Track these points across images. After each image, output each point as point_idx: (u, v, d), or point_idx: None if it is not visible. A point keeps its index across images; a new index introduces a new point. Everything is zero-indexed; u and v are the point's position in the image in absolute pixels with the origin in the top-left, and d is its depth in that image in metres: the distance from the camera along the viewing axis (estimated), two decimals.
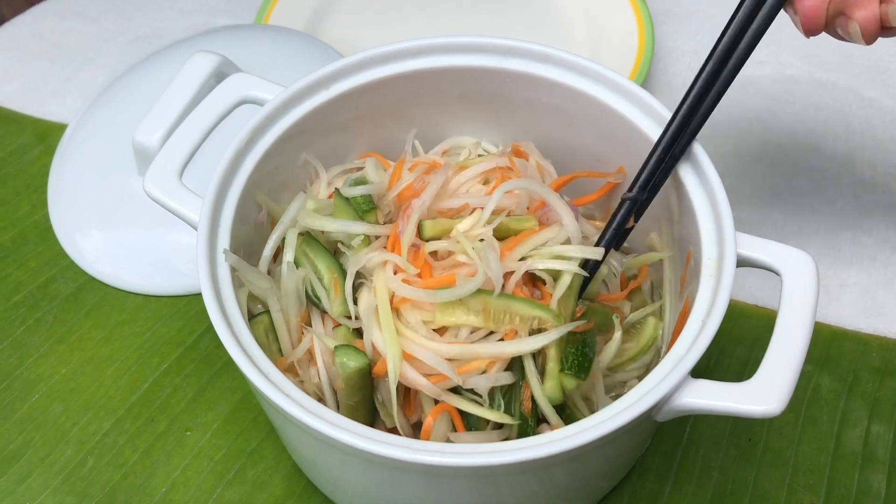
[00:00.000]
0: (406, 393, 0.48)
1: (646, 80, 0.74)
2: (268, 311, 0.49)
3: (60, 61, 0.80)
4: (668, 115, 0.49)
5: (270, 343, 0.49)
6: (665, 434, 0.57)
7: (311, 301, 0.49)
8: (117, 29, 0.82)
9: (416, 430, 0.48)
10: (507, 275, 0.46)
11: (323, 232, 0.51)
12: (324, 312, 0.50)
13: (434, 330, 0.46)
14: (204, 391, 0.60)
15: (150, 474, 0.56)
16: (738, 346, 0.61)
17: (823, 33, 0.47)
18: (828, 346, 0.62)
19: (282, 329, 0.49)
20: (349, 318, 0.48)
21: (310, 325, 0.50)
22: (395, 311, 0.46)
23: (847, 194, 0.70)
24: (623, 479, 0.56)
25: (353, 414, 0.47)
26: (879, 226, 0.68)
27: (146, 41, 0.81)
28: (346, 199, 0.50)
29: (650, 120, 0.51)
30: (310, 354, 0.49)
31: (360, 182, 0.52)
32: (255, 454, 0.57)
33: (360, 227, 0.49)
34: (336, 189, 0.52)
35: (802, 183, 0.71)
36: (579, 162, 0.56)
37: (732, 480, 0.56)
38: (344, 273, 0.49)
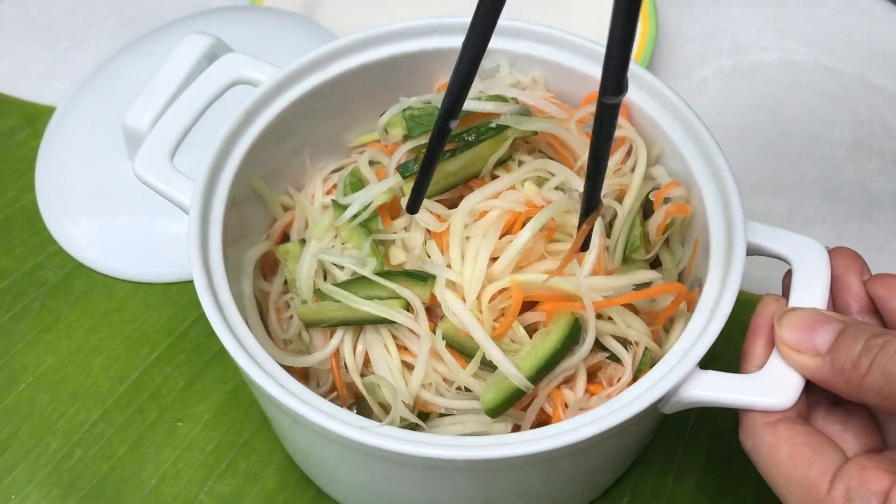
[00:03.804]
0: None
1: (649, 65, 0.73)
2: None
3: (49, 43, 0.78)
4: (676, 99, 0.48)
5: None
6: (668, 427, 0.56)
7: None
8: (108, 10, 0.80)
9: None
10: None
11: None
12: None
13: None
14: (195, 381, 0.58)
15: (140, 466, 0.55)
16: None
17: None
18: None
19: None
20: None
21: None
22: None
23: (854, 183, 0.69)
24: (625, 473, 0.55)
25: None
26: (887, 215, 0.67)
27: (138, 22, 0.79)
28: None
29: (656, 102, 0.50)
30: None
31: (356, 184, 0.50)
32: (248, 446, 0.56)
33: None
34: (333, 201, 0.49)
35: (808, 172, 0.69)
36: None
37: (737, 475, 0.55)
38: None
